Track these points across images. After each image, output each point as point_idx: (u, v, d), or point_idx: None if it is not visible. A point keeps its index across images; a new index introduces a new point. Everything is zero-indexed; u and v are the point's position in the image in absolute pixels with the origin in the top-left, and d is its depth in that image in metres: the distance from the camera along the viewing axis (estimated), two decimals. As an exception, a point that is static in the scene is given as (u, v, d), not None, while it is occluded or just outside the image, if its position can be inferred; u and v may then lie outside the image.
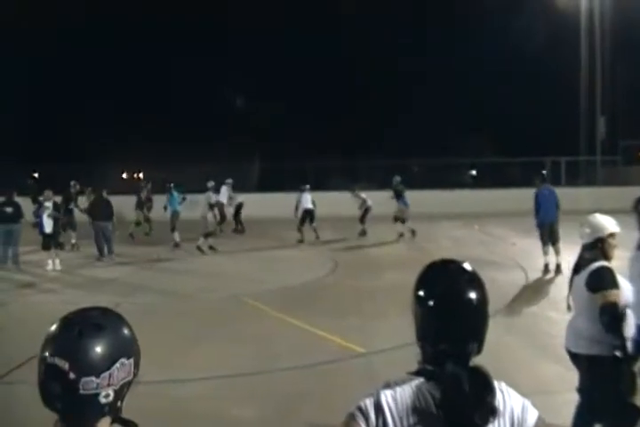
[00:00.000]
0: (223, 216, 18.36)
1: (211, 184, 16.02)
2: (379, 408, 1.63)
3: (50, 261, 12.71)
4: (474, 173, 32.23)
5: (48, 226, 12.92)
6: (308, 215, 16.77)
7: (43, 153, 29.27)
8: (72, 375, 1.43)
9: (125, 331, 1.55)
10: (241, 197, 19.19)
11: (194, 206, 16.14)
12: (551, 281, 10.41)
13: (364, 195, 17.41)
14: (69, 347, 1.45)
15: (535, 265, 11.84)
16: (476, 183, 29.30)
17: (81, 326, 1.49)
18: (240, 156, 30.07)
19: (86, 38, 34.00)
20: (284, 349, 6.99)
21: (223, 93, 35.87)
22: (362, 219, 17.17)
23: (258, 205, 21.56)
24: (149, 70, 35.04)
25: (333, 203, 19.37)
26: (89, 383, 1.44)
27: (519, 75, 31.78)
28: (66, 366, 1.43)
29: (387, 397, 1.64)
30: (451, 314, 1.67)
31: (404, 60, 33.79)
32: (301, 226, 16.70)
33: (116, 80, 33.90)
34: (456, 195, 23.95)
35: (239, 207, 19.31)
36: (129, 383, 1.53)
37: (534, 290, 9.83)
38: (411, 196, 22.34)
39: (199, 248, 14.88)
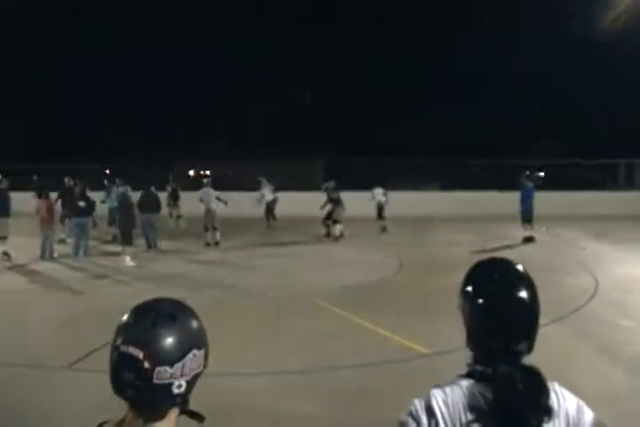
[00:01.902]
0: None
1: (207, 180, 16.40)
2: (430, 412, 1.60)
3: (128, 257, 12.91)
4: (542, 174, 31.42)
5: None
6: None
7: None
8: (146, 364, 1.42)
9: (196, 322, 1.55)
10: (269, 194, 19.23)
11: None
12: (623, 288, 10.04)
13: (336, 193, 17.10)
14: (144, 336, 1.45)
15: (606, 270, 11.49)
16: (545, 185, 28.53)
17: (155, 315, 1.48)
18: (304, 154, 30.23)
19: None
20: (347, 347, 6.98)
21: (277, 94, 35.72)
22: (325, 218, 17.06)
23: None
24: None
25: (399, 202, 19.38)
26: (163, 373, 1.43)
27: (592, 75, 30.79)
28: (140, 355, 1.43)
29: (437, 400, 1.61)
30: (502, 312, 1.64)
31: (472, 59, 33.20)
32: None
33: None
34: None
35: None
36: (199, 375, 1.52)
37: (604, 296, 9.47)
38: (475, 196, 21.89)
39: (217, 243, 15.35)
